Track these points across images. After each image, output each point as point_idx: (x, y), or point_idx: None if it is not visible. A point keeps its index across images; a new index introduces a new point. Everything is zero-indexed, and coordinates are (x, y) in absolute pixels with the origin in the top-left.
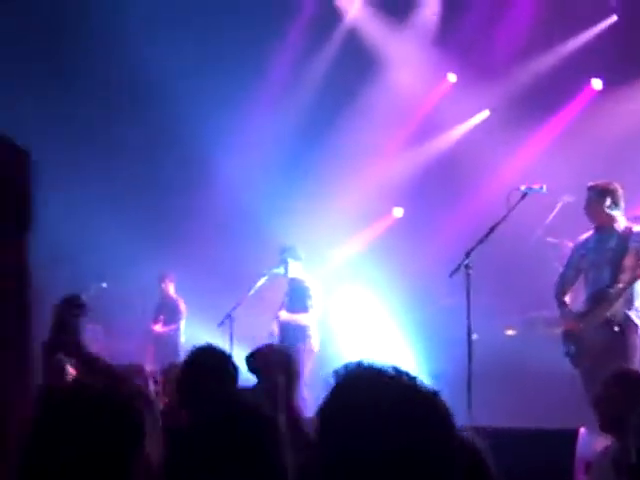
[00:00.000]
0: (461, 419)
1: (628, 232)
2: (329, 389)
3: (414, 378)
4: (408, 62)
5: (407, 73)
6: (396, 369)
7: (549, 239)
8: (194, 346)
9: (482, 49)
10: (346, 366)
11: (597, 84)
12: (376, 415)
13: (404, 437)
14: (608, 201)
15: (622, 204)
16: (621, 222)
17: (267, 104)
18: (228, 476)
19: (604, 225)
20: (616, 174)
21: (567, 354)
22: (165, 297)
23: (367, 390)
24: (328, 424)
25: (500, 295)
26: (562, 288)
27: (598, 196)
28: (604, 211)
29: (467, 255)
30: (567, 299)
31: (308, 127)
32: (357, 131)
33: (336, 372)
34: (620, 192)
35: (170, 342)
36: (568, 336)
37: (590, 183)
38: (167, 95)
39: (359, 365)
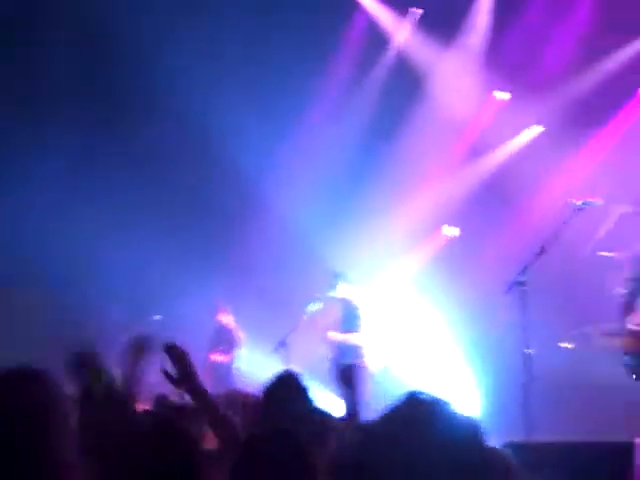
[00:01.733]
0: (518, 434)
1: None
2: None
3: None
4: (458, 82)
5: (457, 93)
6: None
7: (603, 253)
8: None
9: (531, 66)
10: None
11: None
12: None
13: None
14: None
15: None
16: None
17: (317, 129)
18: None
19: None
20: None
21: (627, 366)
22: (221, 327)
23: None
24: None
25: (556, 308)
26: (630, 302)
27: None
28: None
29: (522, 271)
30: (637, 311)
31: (359, 149)
32: (409, 152)
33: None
34: None
35: (227, 372)
36: (627, 351)
37: None
38: (219, 125)
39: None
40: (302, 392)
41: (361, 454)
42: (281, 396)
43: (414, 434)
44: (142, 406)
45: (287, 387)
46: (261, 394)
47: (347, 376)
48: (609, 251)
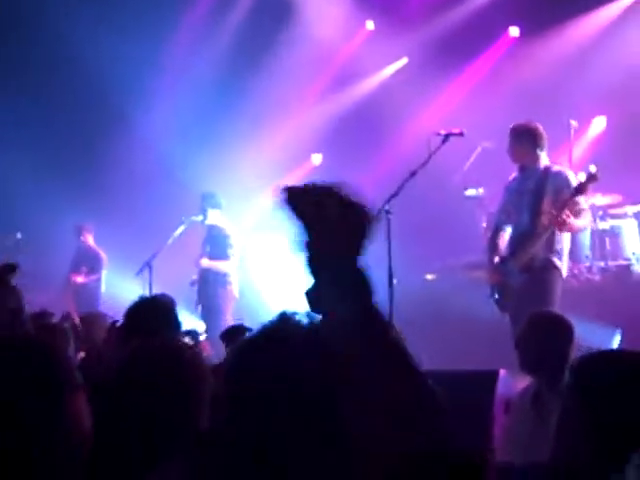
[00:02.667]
0: None
1: (546, 172)
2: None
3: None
4: (326, 9)
5: (325, 21)
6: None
7: (468, 191)
8: (140, 296)
9: None
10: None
11: (514, 31)
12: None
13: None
14: (528, 141)
15: (544, 143)
16: (542, 161)
17: (184, 51)
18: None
19: (526, 165)
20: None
21: (492, 298)
22: (84, 248)
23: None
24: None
25: (420, 241)
26: (495, 234)
27: (518, 136)
28: (524, 151)
29: (387, 201)
30: (501, 243)
31: (226, 73)
32: (276, 78)
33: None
34: (541, 131)
35: (91, 293)
36: (492, 283)
37: (512, 125)
38: (84, 43)
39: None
40: (168, 314)
41: (239, 367)
42: (146, 318)
43: (288, 347)
44: None
45: (153, 309)
46: (125, 316)
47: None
48: (474, 185)
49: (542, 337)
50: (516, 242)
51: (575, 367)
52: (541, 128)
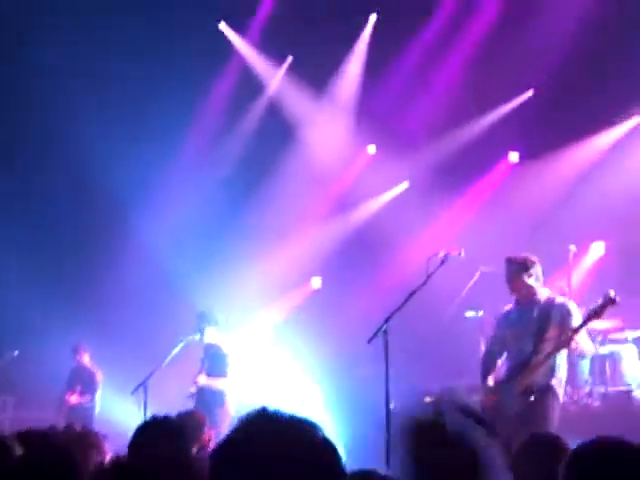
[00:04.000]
0: None
1: (550, 303)
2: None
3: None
4: (328, 134)
5: (327, 144)
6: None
7: (467, 314)
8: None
9: (401, 122)
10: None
11: (514, 157)
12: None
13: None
14: (526, 274)
15: (541, 276)
16: (542, 293)
17: (188, 172)
18: None
19: (524, 297)
20: (531, 245)
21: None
22: (80, 368)
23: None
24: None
25: (419, 363)
26: (489, 365)
27: (517, 269)
28: (524, 283)
29: (386, 321)
30: (493, 367)
31: (229, 196)
32: (278, 199)
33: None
34: (538, 265)
35: (85, 413)
36: (485, 407)
37: (508, 256)
38: (89, 160)
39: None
40: (173, 437)
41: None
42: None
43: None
44: None
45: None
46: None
47: None
48: (472, 309)
49: (538, 458)
50: (516, 369)
51: (572, 456)
52: (533, 259)
